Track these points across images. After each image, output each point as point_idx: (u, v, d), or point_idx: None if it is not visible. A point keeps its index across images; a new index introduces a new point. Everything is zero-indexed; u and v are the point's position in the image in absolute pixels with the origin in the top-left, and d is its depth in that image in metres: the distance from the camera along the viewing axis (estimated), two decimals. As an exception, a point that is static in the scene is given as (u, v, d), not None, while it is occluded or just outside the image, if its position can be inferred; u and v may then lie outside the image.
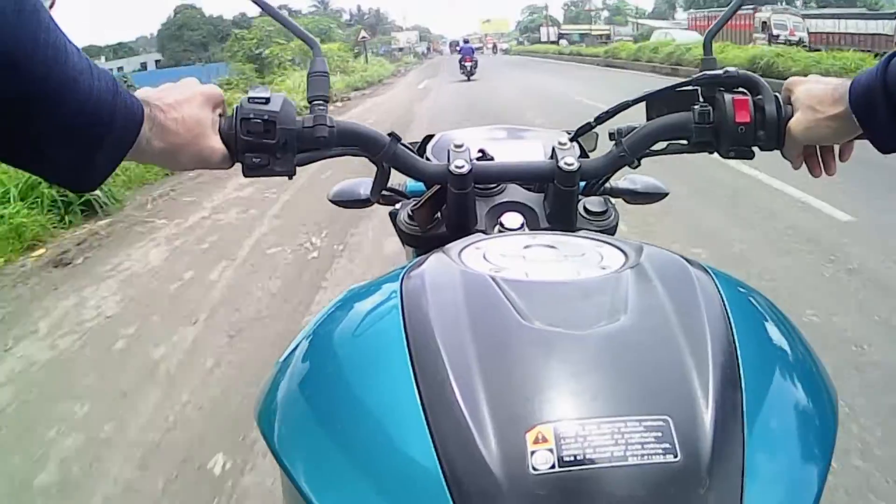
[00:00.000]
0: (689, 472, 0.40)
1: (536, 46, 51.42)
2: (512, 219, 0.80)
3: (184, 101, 0.65)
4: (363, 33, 26.02)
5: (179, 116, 0.63)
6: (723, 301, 0.54)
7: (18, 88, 0.48)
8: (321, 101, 0.73)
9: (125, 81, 0.63)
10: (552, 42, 51.72)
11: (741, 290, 0.61)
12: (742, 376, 0.47)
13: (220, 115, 0.69)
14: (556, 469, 0.40)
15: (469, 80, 20.11)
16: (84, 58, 0.52)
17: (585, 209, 0.86)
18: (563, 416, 0.42)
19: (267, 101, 0.69)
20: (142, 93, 0.63)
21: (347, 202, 1.08)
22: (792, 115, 0.71)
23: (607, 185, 0.97)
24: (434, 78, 22.21)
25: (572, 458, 0.40)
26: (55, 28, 0.49)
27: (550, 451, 0.41)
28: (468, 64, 21.02)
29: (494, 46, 68.29)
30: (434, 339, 0.48)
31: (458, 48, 29.75)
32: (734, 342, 0.49)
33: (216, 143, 0.67)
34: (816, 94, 0.68)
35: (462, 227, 0.81)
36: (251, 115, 0.68)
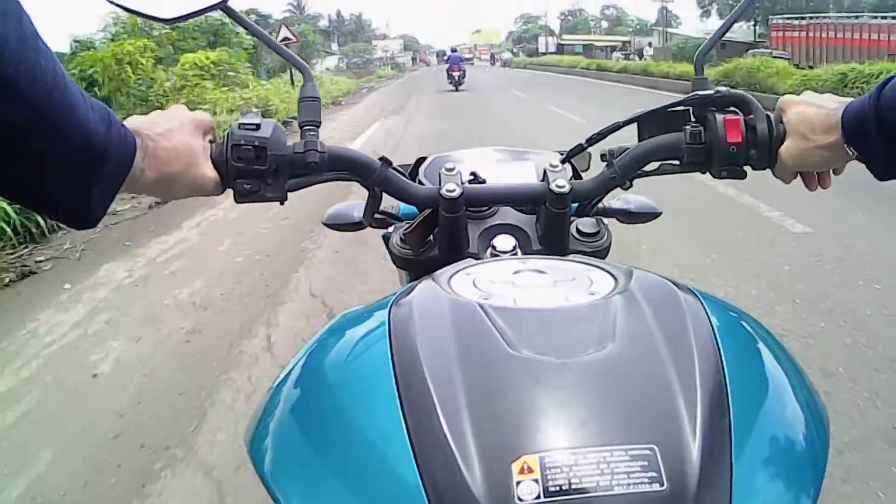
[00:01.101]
0: (676, 501, 0.41)
1: (547, 58, 42.53)
2: (504, 241, 0.81)
3: (175, 130, 0.66)
4: (285, 32, 16.27)
5: (171, 145, 0.64)
6: (711, 326, 0.54)
7: (18, 115, 0.48)
8: (312, 127, 0.75)
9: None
10: (552, 52, 44.98)
11: (730, 313, 0.62)
12: (730, 403, 0.48)
13: (211, 142, 0.71)
14: (542, 499, 0.40)
15: (457, 89, 20.66)
16: (77, 87, 0.53)
17: (578, 230, 0.87)
18: (548, 445, 0.43)
19: (258, 127, 0.70)
20: (132, 122, 0.64)
21: (341, 225, 1.09)
22: (784, 135, 0.72)
23: (600, 205, 0.97)
24: (400, 114, 13.18)
25: (558, 489, 0.41)
26: (53, 56, 0.51)
27: (536, 481, 0.41)
28: (456, 74, 21.35)
29: (492, 57, 61.55)
30: (421, 368, 0.49)
31: (445, 58, 27.78)
32: (723, 368, 0.50)
33: (208, 171, 0.69)
34: (809, 121, 0.68)
35: (454, 249, 0.82)
36: (242, 142, 0.69)
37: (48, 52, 0.50)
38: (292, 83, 14.78)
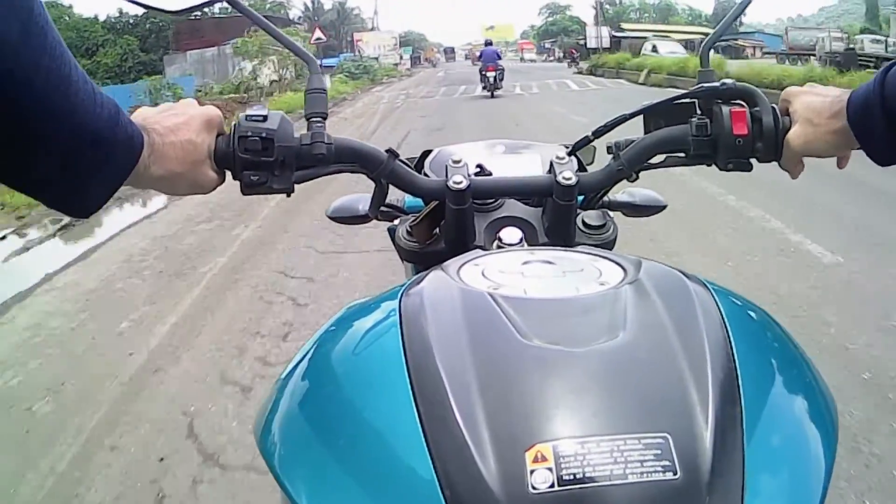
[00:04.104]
0: (689, 489, 0.44)
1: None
2: (510, 234, 0.86)
3: (182, 125, 0.71)
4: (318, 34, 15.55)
5: (178, 141, 0.69)
6: (721, 316, 0.58)
7: (15, 111, 0.51)
8: (319, 119, 0.80)
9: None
10: (605, 49, 31.83)
11: (740, 304, 0.66)
12: (741, 392, 0.51)
13: (219, 135, 0.77)
14: (556, 488, 0.43)
15: (493, 95, 16.71)
16: (88, 83, 0.57)
17: (584, 223, 0.93)
18: (562, 434, 0.46)
19: (264, 118, 0.75)
20: (141, 115, 0.70)
21: (346, 218, 1.13)
22: (790, 127, 0.78)
23: (606, 198, 1.03)
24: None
25: (572, 477, 0.43)
26: (62, 52, 0.54)
27: (550, 469, 0.43)
28: (491, 74, 16.84)
29: (570, 55, 37.92)
30: (433, 357, 0.52)
31: (477, 56, 22.31)
32: (733, 357, 0.54)
33: (210, 171, 0.75)
34: (815, 107, 0.74)
35: (461, 242, 0.88)
36: (249, 133, 0.74)
37: (56, 49, 0.53)
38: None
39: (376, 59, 37.97)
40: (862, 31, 25.56)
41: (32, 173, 0.56)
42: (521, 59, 53.16)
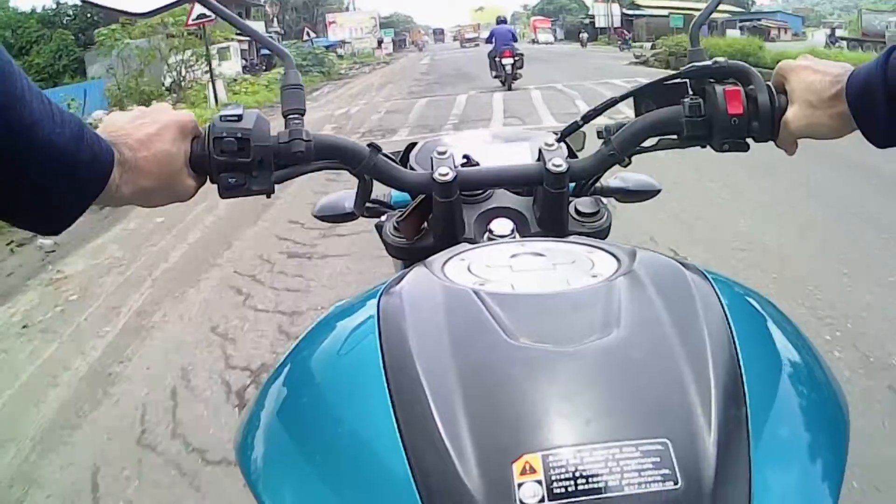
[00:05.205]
0: (692, 499, 0.42)
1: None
2: (501, 225, 0.85)
3: (155, 136, 0.69)
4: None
5: (150, 154, 0.68)
6: (723, 308, 0.56)
7: None
8: (296, 115, 0.79)
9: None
10: (616, 28, 28.12)
11: (741, 293, 0.65)
12: (746, 391, 0.49)
13: (194, 139, 0.76)
14: (546, 502, 0.41)
15: (511, 89, 13.33)
16: (46, 102, 0.56)
17: (577, 211, 0.92)
18: (552, 443, 0.44)
19: (239, 118, 0.74)
20: (111, 125, 0.69)
21: (332, 217, 1.12)
22: (786, 105, 0.77)
23: (598, 184, 1.02)
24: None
25: (563, 491, 0.41)
26: (11, 71, 0.53)
27: (539, 482, 0.41)
28: (508, 61, 13.18)
29: (622, 39, 28.56)
30: (412, 361, 0.50)
31: (488, 37, 15.06)
32: (737, 354, 0.52)
33: (188, 179, 0.74)
34: (814, 88, 0.72)
35: (450, 236, 0.86)
36: (224, 134, 0.73)
37: (5, 68, 0.52)
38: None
39: (341, 44, 32.42)
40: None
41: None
42: (534, 41, 43.52)
